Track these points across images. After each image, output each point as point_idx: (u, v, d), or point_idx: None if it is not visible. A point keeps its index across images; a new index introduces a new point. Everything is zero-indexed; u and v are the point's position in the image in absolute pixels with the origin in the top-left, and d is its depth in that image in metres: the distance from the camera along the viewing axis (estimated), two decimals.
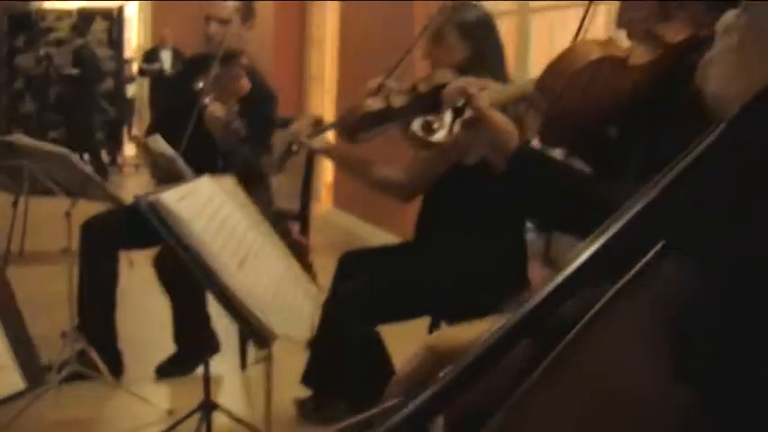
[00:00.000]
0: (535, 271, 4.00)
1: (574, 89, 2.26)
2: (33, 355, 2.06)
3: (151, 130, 4.75)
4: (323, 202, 9.56)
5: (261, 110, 4.71)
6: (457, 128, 2.46)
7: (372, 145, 3.82)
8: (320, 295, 3.21)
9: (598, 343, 0.89)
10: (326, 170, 9.57)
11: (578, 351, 0.89)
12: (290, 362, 4.04)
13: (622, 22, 2.33)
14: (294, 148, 3.85)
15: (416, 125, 2.51)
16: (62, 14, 13.49)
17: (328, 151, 3.96)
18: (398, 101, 3.53)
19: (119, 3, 13.96)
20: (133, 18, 16.14)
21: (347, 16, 9.15)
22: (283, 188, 5.36)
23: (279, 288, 2.60)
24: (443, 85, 2.74)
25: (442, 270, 3.64)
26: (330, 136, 4.07)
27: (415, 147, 2.70)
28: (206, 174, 3.04)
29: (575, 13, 5.72)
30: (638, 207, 0.93)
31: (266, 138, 4.73)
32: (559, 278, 0.96)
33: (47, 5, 14.67)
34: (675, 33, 2.15)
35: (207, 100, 4.45)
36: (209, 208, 2.61)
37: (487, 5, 3.99)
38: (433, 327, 3.89)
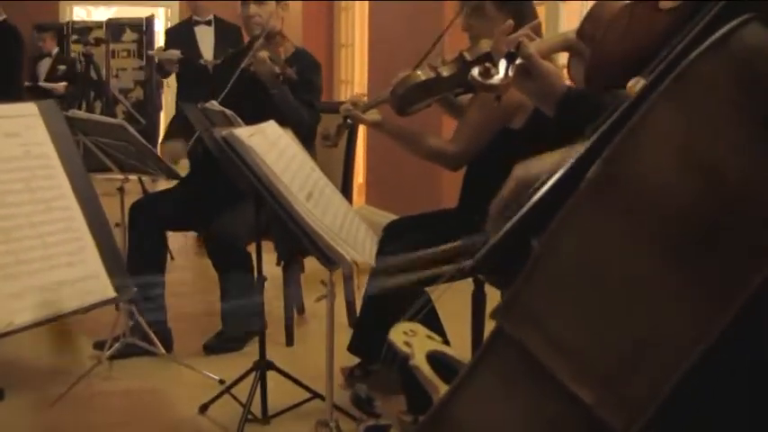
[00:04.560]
0: None
1: (613, 33, 2.37)
2: (121, 266, 2.17)
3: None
4: (355, 202, 9.65)
5: (306, 76, 4.86)
6: (511, 73, 2.57)
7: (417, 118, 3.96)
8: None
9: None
10: (358, 171, 9.66)
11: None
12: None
13: None
14: (349, 121, 4.01)
15: (475, 71, 2.62)
16: (91, 25, 13.65)
17: (380, 124, 4.06)
18: (446, 70, 3.62)
19: (149, 10, 14.10)
20: (160, 31, 16.26)
21: (376, 20, 9.24)
22: None
23: (343, 222, 2.71)
24: (489, 54, 2.86)
25: (486, 231, 3.72)
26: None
27: (476, 92, 2.81)
28: None
29: None
30: None
31: (313, 101, 4.89)
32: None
33: (76, 16, 14.85)
34: None
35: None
36: (277, 146, 2.72)
37: None
38: (477, 290, 3.96)
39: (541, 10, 6.54)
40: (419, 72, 3.62)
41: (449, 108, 4.25)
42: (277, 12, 5.06)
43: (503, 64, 2.60)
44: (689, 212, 0.90)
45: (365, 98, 4.19)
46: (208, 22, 7.48)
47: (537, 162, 1.51)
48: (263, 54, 4.73)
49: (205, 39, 7.43)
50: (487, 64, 2.64)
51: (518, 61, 2.57)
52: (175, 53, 6.79)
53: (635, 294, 0.91)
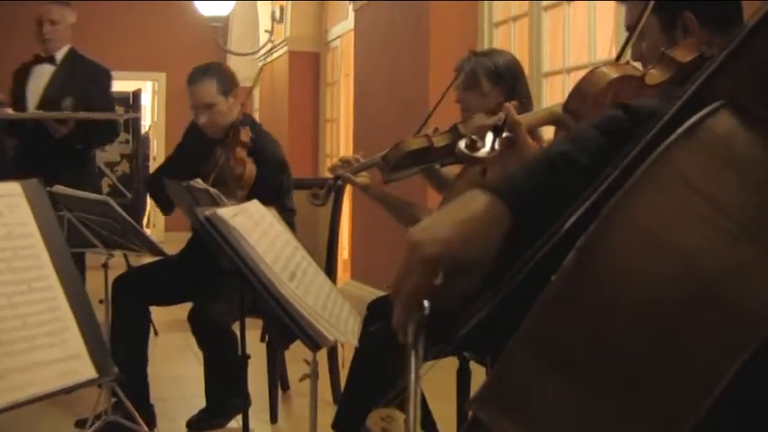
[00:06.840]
0: None
1: (599, 108, 2.40)
2: (103, 345, 2.17)
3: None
4: (340, 278, 9.66)
5: (273, 180, 4.85)
6: (497, 146, 2.60)
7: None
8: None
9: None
10: (343, 247, 9.68)
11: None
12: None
13: (636, 54, 2.52)
14: (339, 182, 4.03)
15: (462, 143, 2.65)
16: None
17: (370, 188, 4.07)
18: (440, 140, 3.62)
19: (137, 84, 14.19)
20: (147, 105, 16.35)
21: (360, 95, 9.30)
22: None
23: (326, 302, 2.72)
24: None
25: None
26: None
27: (462, 163, 2.82)
28: None
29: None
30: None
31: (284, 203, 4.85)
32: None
33: None
34: (685, 55, 2.32)
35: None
36: (260, 226, 2.72)
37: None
38: (462, 369, 3.95)
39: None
40: (412, 140, 3.64)
41: (434, 181, 4.26)
42: (228, 104, 4.91)
43: (489, 137, 2.63)
44: (664, 300, 0.90)
45: (354, 158, 4.17)
46: (50, 59, 6.18)
47: (431, 231, 1.40)
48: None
49: (39, 81, 6.15)
50: (474, 137, 2.67)
51: (504, 134, 2.61)
52: None
53: (609, 388, 0.91)
